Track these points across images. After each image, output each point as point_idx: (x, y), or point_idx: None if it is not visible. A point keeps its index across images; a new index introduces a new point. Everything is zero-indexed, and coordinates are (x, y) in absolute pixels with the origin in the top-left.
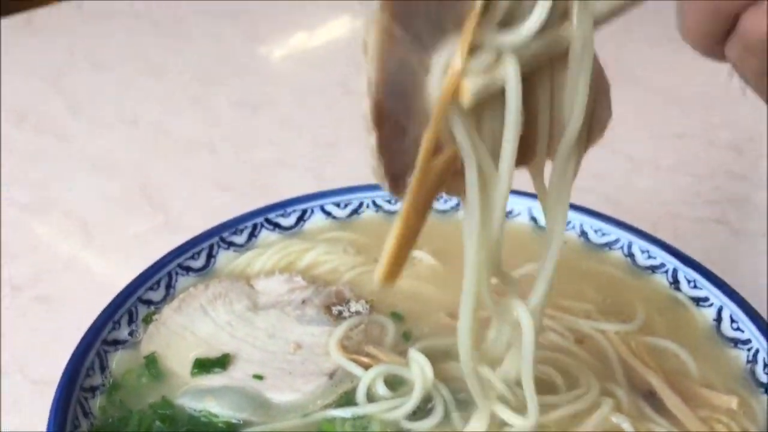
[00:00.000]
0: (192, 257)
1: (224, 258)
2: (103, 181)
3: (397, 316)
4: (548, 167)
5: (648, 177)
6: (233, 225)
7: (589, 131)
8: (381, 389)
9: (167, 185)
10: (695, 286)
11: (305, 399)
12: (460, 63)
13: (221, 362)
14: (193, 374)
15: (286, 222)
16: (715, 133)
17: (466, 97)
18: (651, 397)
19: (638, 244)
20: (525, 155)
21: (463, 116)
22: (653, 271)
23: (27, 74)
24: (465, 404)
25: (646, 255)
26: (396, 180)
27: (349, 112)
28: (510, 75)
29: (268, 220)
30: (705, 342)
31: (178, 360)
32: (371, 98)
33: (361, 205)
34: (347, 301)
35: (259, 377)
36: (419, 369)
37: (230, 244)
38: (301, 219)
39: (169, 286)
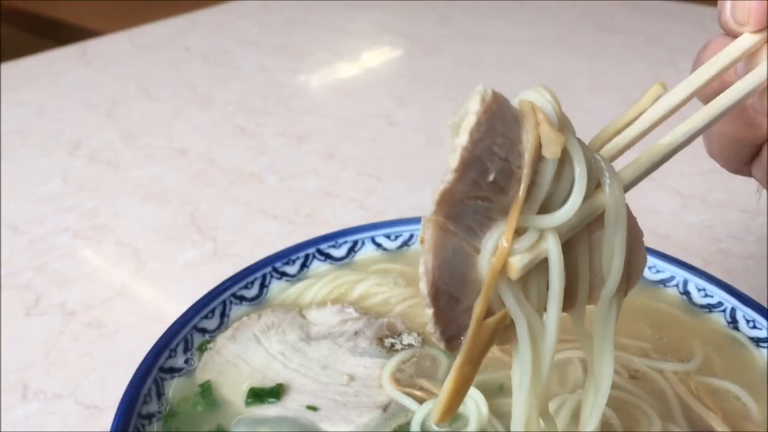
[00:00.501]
0: (245, 287)
1: (277, 288)
2: (154, 209)
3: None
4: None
5: (698, 212)
6: (286, 255)
7: (628, 277)
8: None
9: (215, 214)
10: (754, 326)
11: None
12: (507, 245)
13: (275, 392)
14: (247, 404)
15: (337, 253)
16: None
17: (514, 272)
18: None
19: (694, 282)
20: (567, 304)
21: (510, 285)
22: (710, 310)
23: (82, 103)
24: None
25: (702, 293)
26: (451, 341)
27: (391, 144)
28: (552, 251)
29: (319, 251)
30: (764, 383)
31: (233, 389)
32: (427, 281)
33: (411, 237)
34: (399, 334)
35: (313, 408)
36: (474, 404)
37: (283, 274)
38: (352, 250)
39: (223, 315)
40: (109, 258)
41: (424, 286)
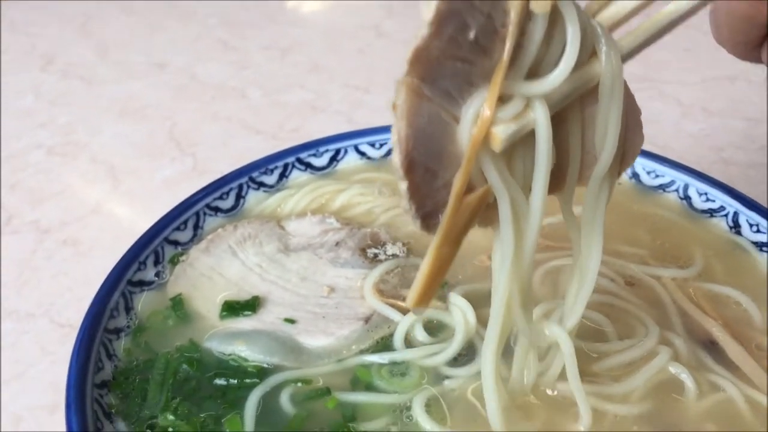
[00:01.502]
0: (220, 197)
1: (254, 199)
2: (131, 125)
3: None
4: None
5: (698, 121)
6: (263, 164)
7: (622, 157)
8: (420, 335)
9: (195, 130)
10: (758, 231)
11: (339, 344)
12: (489, 113)
13: (251, 305)
14: (221, 317)
15: (318, 162)
16: None
17: (497, 143)
18: (711, 346)
19: (695, 186)
20: (555, 184)
21: (494, 159)
22: (711, 215)
23: (54, 17)
24: (509, 350)
25: (704, 198)
26: (427, 219)
27: (381, 56)
28: (540, 120)
29: (299, 160)
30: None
31: (206, 302)
32: (400, 151)
33: None
34: (383, 244)
35: (290, 321)
36: (461, 314)
37: (260, 185)
38: (334, 159)
39: (196, 227)
40: (84, 175)
41: (396, 157)
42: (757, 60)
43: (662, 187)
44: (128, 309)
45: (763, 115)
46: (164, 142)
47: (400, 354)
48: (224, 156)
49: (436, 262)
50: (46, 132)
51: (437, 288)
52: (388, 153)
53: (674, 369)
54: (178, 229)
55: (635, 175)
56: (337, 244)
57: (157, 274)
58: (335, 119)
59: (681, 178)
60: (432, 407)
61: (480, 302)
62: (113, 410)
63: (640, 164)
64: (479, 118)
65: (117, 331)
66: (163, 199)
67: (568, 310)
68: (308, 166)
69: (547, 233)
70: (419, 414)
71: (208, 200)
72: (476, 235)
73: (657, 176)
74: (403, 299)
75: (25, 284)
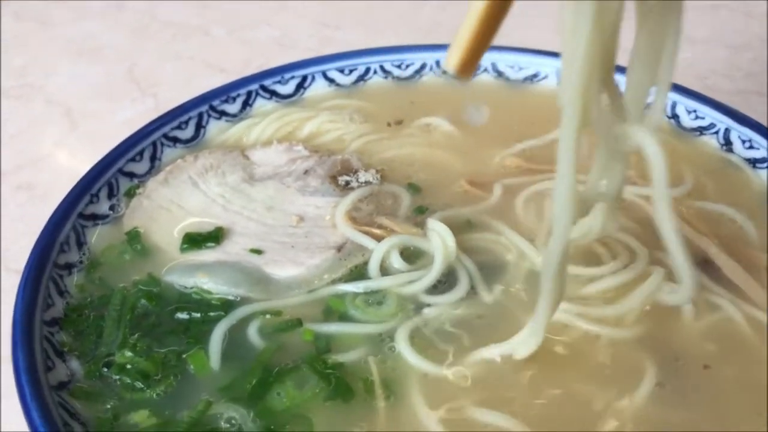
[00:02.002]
0: (179, 127)
1: (215, 128)
2: (87, 67)
3: (413, 187)
4: None
5: (682, 50)
6: (225, 92)
7: None
8: (396, 262)
9: (156, 69)
10: (751, 146)
11: (310, 274)
12: None
13: (214, 236)
14: (182, 250)
15: (284, 89)
16: (752, 2)
17: None
18: (707, 265)
19: (683, 104)
20: None
21: None
22: (701, 133)
23: None
24: (491, 276)
25: (693, 115)
26: None
27: None
28: None
29: (264, 88)
30: (764, 205)
31: (165, 235)
32: None
33: (368, 70)
34: (355, 171)
35: (257, 251)
36: (440, 239)
37: (222, 114)
38: (300, 86)
39: (153, 158)
40: (39, 117)
41: None
42: None
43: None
44: (80, 244)
45: (746, 43)
46: (123, 83)
47: (376, 282)
48: (187, 96)
49: (487, 16)
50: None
51: (483, 53)
52: (359, 79)
53: (669, 289)
54: (133, 160)
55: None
56: (305, 172)
57: (111, 208)
58: (304, 56)
59: (668, 96)
60: (414, 338)
61: (459, 229)
62: (65, 348)
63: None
64: None
65: (68, 267)
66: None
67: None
68: (273, 93)
69: (529, 156)
70: (403, 346)
71: (165, 130)
72: (453, 160)
73: None
74: (378, 226)
75: None
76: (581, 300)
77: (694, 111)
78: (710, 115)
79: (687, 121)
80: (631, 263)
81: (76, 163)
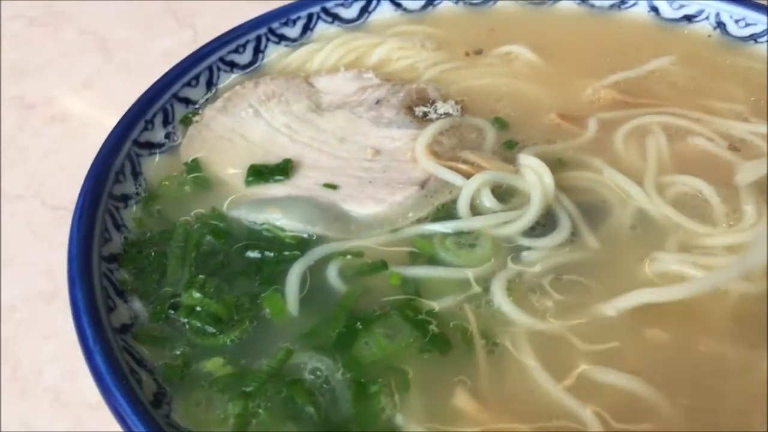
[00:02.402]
0: (236, 50)
1: (275, 53)
2: None
3: (499, 121)
4: None
5: None
6: (284, 14)
7: None
8: (488, 201)
9: None
10: None
11: (393, 212)
12: None
13: (282, 169)
14: (248, 183)
15: (347, 13)
16: None
17: None
18: None
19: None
20: None
21: None
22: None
23: None
24: (594, 219)
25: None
26: None
27: None
28: None
29: (325, 11)
30: None
31: (227, 167)
32: None
33: None
34: (432, 102)
35: (331, 186)
36: (535, 176)
37: (281, 38)
38: (365, 10)
39: (210, 84)
40: (71, 47)
41: None
42: None
43: (753, 37)
44: (136, 174)
45: None
46: (158, 12)
47: (467, 222)
48: (229, 26)
49: None
50: (25, 2)
51: None
52: (428, 4)
53: None
54: (189, 85)
55: (721, 25)
56: (377, 102)
57: (167, 136)
58: None
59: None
60: (513, 289)
61: (552, 167)
62: (126, 287)
63: (727, 12)
64: None
65: (124, 198)
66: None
67: None
68: (335, 17)
69: (623, 88)
70: (500, 297)
71: (221, 53)
72: (539, 92)
73: (747, 24)
74: (464, 162)
75: (11, 164)
76: (705, 250)
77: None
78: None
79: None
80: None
81: (113, 94)
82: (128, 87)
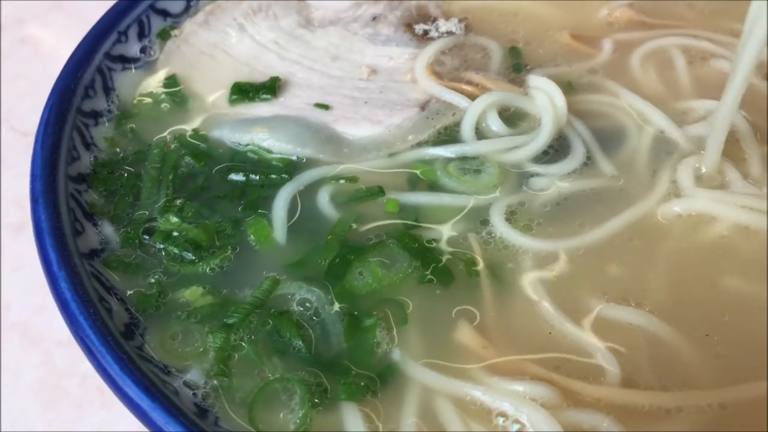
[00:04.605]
0: None
1: None
2: None
3: (506, 40)
4: None
5: None
6: None
7: None
8: (495, 124)
9: None
10: None
11: (390, 134)
12: None
13: (269, 87)
14: (231, 102)
15: None
16: None
17: None
18: None
19: None
20: None
21: None
22: None
23: None
24: (609, 144)
25: None
26: None
27: None
28: None
29: None
30: None
31: (209, 85)
32: None
33: None
34: (434, 20)
35: (323, 107)
36: (546, 98)
37: None
38: None
39: None
40: None
41: None
42: None
43: None
44: (108, 89)
45: None
46: None
47: (472, 146)
48: None
49: None
50: None
51: None
52: None
53: None
54: None
55: None
56: (374, 18)
57: (142, 50)
58: None
59: None
60: (518, 214)
61: (565, 89)
62: (96, 210)
63: None
64: None
65: (95, 115)
66: None
67: None
68: None
69: (643, 8)
70: (498, 221)
71: None
72: (550, 10)
73: None
74: (467, 82)
75: None
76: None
77: None
78: None
79: None
80: None
81: (86, 17)
82: (101, 9)
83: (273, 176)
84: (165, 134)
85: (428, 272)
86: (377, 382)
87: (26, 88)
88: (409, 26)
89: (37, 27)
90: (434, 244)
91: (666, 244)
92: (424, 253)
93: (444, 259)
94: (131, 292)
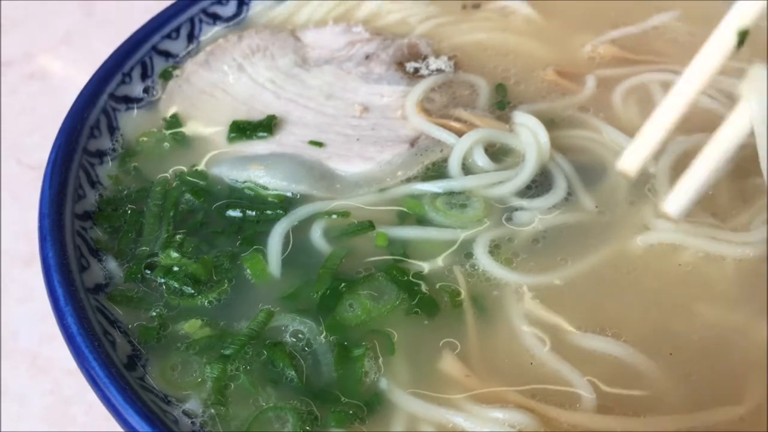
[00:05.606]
0: (219, 2)
1: (260, 5)
2: None
3: (492, 78)
4: None
5: None
6: None
7: None
8: (481, 160)
9: None
10: None
11: (381, 170)
12: None
13: (266, 125)
14: (230, 139)
15: None
16: None
17: None
18: None
19: None
20: None
21: None
22: None
23: None
24: (591, 179)
25: None
26: None
27: None
28: None
29: None
30: None
31: (209, 123)
32: None
33: None
34: (424, 57)
35: (317, 144)
36: (530, 134)
37: None
38: None
39: (191, 36)
40: (51, 1)
41: None
42: None
43: None
44: (112, 129)
45: None
46: None
47: (459, 182)
48: None
49: None
50: None
51: None
52: None
53: None
54: (169, 37)
55: None
56: (367, 57)
57: (145, 90)
58: None
59: None
60: (501, 247)
61: (548, 125)
62: (100, 246)
63: None
64: None
65: (100, 154)
66: None
67: None
68: None
69: (625, 44)
70: (481, 254)
71: (204, 4)
72: (536, 48)
73: None
74: (456, 119)
75: None
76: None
77: None
78: None
79: None
80: None
81: (93, 51)
82: (110, 44)
83: (269, 212)
84: (167, 172)
85: (414, 303)
86: (365, 410)
87: (34, 122)
88: (400, 64)
89: (46, 61)
90: (421, 277)
91: (641, 275)
92: (411, 286)
93: (429, 291)
94: (134, 325)
